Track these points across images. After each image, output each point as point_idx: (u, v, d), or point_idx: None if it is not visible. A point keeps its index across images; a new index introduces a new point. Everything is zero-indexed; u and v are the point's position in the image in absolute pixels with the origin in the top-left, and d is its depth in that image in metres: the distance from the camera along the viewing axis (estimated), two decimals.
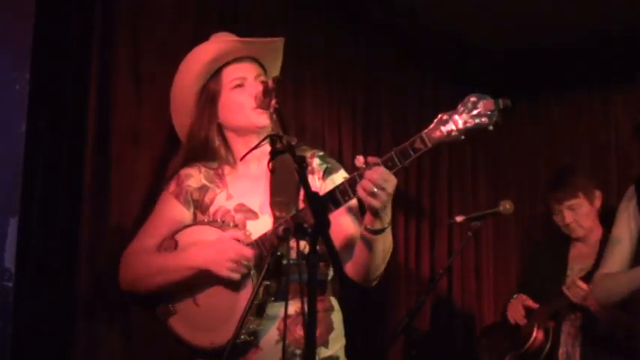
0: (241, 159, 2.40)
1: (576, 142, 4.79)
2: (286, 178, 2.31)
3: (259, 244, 2.24)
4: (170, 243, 2.33)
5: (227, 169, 2.44)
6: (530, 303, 3.65)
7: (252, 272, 2.21)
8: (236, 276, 2.18)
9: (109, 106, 2.75)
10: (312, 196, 1.91)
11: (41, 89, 2.43)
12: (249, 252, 2.20)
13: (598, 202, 3.69)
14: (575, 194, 3.65)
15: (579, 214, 3.65)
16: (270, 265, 2.08)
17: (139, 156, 2.79)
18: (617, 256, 2.89)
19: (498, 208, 3.56)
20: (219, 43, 2.42)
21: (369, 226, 2.16)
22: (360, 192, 2.06)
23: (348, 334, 2.47)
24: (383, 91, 4.21)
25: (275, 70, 2.59)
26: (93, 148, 2.66)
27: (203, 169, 2.43)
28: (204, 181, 2.42)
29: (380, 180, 2.03)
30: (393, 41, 4.25)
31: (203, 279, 2.26)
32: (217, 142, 2.44)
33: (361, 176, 2.07)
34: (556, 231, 3.79)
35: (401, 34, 4.28)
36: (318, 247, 1.83)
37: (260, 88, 2.27)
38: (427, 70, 4.55)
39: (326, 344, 2.35)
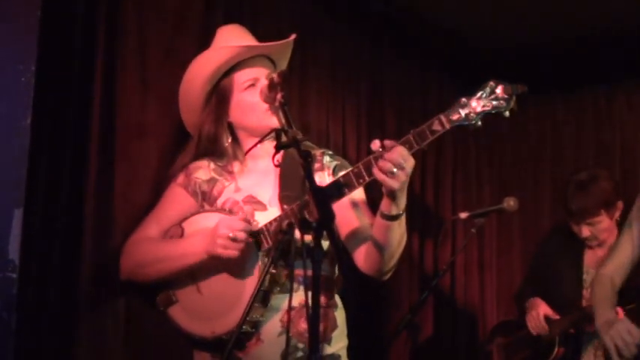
0: (247, 152, 2.42)
1: (580, 141, 4.79)
2: (295, 172, 2.33)
3: (265, 230, 2.25)
4: (177, 230, 2.34)
5: (236, 165, 2.46)
6: (550, 313, 3.62)
7: (259, 257, 2.22)
8: (231, 252, 2.17)
9: (114, 100, 2.74)
10: (316, 190, 1.92)
11: (47, 82, 2.42)
12: (239, 224, 2.18)
13: (618, 214, 3.57)
14: (596, 213, 3.53)
15: (598, 229, 3.56)
16: (275, 257, 2.09)
17: (143, 150, 2.78)
18: (617, 260, 2.90)
19: (502, 205, 3.54)
20: (231, 48, 2.43)
21: (385, 212, 2.16)
22: (378, 173, 2.07)
23: (350, 330, 2.47)
24: (387, 86, 4.21)
25: (284, 62, 2.60)
26: (98, 141, 2.65)
27: (212, 164, 2.46)
28: (213, 174, 2.45)
29: (399, 159, 2.04)
30: (396, 37, 4.26)
31: (207, 267, 2.26)
32: (227, 140, 2.46)
33: (377, 159, 2.09)
34: (569, 230, 3.74)
35: (405, 30, 4.28)
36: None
37: (266, 82, 2.28)
38: (431, 67, 4.56)
39: (329, 341, 2.36)
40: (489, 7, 4.03)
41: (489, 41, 4.44)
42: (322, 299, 2.33)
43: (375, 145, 2.12)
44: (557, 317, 3.59)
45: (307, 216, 2.06)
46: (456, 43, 4.50)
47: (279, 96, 2.17)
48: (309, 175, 1.96)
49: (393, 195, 2.12)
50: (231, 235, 2.16)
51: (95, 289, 2.62)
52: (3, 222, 2.18)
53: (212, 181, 2.44)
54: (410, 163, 2.07)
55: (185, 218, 2.37)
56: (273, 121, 2.29)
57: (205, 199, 2.43)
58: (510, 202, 3.53)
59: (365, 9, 4.01)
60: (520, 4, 3.99)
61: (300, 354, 2.30)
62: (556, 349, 3.56)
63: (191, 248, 2.26)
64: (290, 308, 2.10)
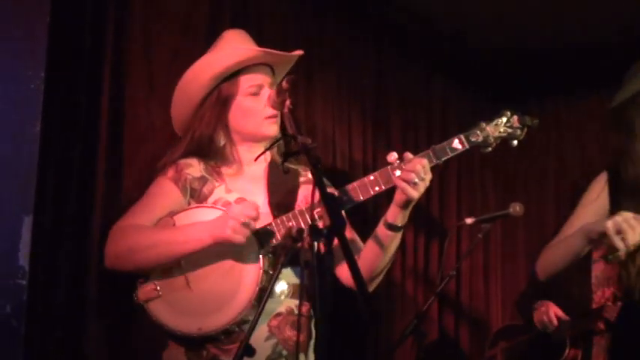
0: (256, 159, 2.40)
1: (584, 144, 4.78)
2: (283, 180, 2.38)
3: (275, 225, 2.26)
4: (168, 221, 2.30)
5: (225, 168, 2.44)
6: (561, 313, 3.61)
7: (259, 257, 2.21)
8: (239, 237, 2.14)
9: (121, 106, 2.76)
10: (327, 197, 1.91)
11: (56, 88, 2.43)
12: (252, 207, 2.18)
13: None
14: None
15: None
16: (284, 263, 2.08)
17: (151, 155, 2.78)
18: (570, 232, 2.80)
19: (508, 211, 3.52)
20: (243, 50, 2.44)
21: (390, 221, 2.25)
22: (400, 182, 2.17)
23: (355, 336, 2.47)
24: (392, 90, 4.22)
25: (282, 74, 2.61)
26: (106, 147, 2.68)
27: (202, 163, 2.43)
28: (203, 173, 2.42)
29: (422, 171, 2.16)
30: (401, 41, 4.26)
31: (203, 261, 2.24)
32: (222, 142, 2.45)
33: (394, 170, 2.20)
34: None
35: (410, 34, 4.29)
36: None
37: (274, 89, 2.31)
38: (436, 70, 4.56)
39: (306, 352, 2.35)
40: (495, 12, 4.04)
41: (494, 44, 4.44)
42: (304, 309, 2.31)
43: (392, 157, 2.21)
44: (567, 318, 3.58)
45: (317, 218, 2.06)
46: (461, 46, 4.50)
47: (287, 102, 2.17)
48: (319, 182, 1.94)
49: (406, 205, 2.21)
50: (243, 219, 2.15)
51: (103, 296, 2.62)
52: (13, 229, 2.18)
53: (203, 180, 2.40)
54: (429, 176, 2.19)
55: (175, 212, 2.32)
56: (270, 130, 2.38)
57: (194, 197, 2.38)
58: (516, 208, 3.51)
59: (369, 13, 4.02)
60: (523, 8, 3.99)
61: None
62: (567, 351, 3.54)
63: (195, 234, 2.21)
64: (300, 315, 2.14)
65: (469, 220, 3.62)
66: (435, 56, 4.53)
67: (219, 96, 2.44)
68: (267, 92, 2.39)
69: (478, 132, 2.29)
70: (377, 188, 2.22)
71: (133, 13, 2.84)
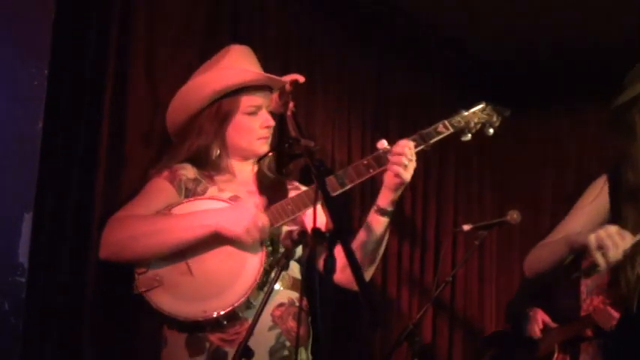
0: (259, 160, 2.49)
1: (582, 154, 4.80)
2: (272, 186, 2.46)
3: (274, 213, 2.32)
4: (166, 213, 2.33)
5: (218, 177, 2.50)
6: (549, 320, 3.62)
7: (264, 247, 2.27)
8: (250, 239, 2.22)
9: (123, 106, 2.77)
10: (330, 200, 1.93)
11: (59, 85, 2.43)
12: (266, 220, 2.27)
13: None
14: None
15: None
16: (286, 264, 2.13)
17: (152, 156, 2.78)
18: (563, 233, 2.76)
19: (506, 218, 3.53)
20: (249, 73, 2.50)
21: (382, 206, 2.37)
22: (394, 168, 2.31)
23: (353, 342, 2.48)
24: (392, 99, 4.22)
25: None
26: (107, 146, 2.68)
27: (195, 169, 2.48)
28: (197, 175, 2.46)
29: (409, 152, 2.31)
30: (404, 48, 4.27)
31: (204, 247, 2.27)
32: (216, 153, 2.50)
33: (386, 154, 2.34)
34: None
35: (412, 41, 4.30)
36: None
37: (269, 118, 2.48)
38: (437, 79, 4.58)
39: (306, 346, 2.41)
40: (496, 21, 4.06)
41: (495, 53, 4.47)
42: (304, 303, 2.40)
43: (382, 144, 2.36)
44: (556, 325, 3.59)
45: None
46: (462, 55, 4.52)
47: (291, 105, 2.20)
48: (322, 185, 1.97)
49: (398, 188, 2.34)
50: (260, 224, 2.22)
51: (102, 294, 2.62)
52: (12, 226, 2.16)
53: (196, 181, 2.45)
54: (414, 157, 2.33)
55: (172, 205, 2.36)
56: (262, 149, 2.49)
57: (188, 196, 2.42)
58: (514, 215, 3.51)
59: (372, 19, 4.03)
60: (527, 17, 4.01)
61: (285, 352, 2.33)
62: (555, 355, 3.55)
63: (200, 220, 2.25)
64: (300, 309, 2.24)
65: (466, 227, 3.61)
66: (436, 63, 4.54)
67: (219, 111, 2.49)
68: (264, 113, 2.50)
69: (459, 118, 2.48)
70: (371, 170, 2.35)
71: (137, 11, 2.85)
